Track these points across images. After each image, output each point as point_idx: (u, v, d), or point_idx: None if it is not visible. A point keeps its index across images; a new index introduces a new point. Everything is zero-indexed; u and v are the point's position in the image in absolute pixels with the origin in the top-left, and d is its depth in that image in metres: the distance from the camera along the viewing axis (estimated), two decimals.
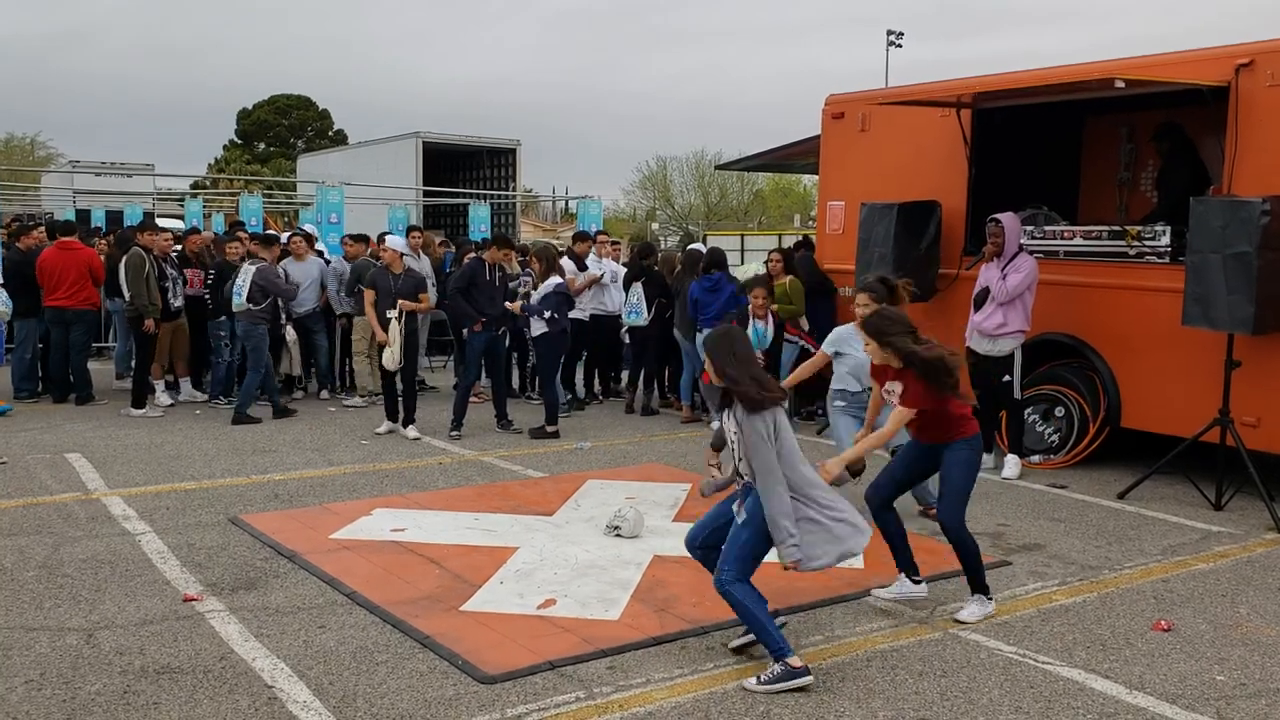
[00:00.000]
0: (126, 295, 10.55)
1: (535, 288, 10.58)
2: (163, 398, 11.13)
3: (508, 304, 10.15)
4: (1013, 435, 8.64)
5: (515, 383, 12.53)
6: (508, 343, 11.72)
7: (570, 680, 4.49)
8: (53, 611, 5.19)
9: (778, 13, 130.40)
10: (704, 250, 11.97)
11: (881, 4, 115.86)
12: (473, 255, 10.78)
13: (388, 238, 10.32)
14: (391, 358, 9.52)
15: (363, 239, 12.31)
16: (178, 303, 10.99)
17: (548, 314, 10.01)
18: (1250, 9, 78.56)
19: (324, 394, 11.98)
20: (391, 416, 9.73)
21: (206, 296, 11.25)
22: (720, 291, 10.10)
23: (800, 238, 13.11)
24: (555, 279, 10.22)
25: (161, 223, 13.83)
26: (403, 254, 10.09)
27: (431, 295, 12.21)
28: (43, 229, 12.36)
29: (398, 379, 9.72)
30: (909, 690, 4.45)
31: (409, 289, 9.69)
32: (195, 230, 14.31)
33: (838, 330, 7.14)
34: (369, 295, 9.70)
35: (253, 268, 10.59)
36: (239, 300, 10.48)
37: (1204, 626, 5.25)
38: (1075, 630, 5.16)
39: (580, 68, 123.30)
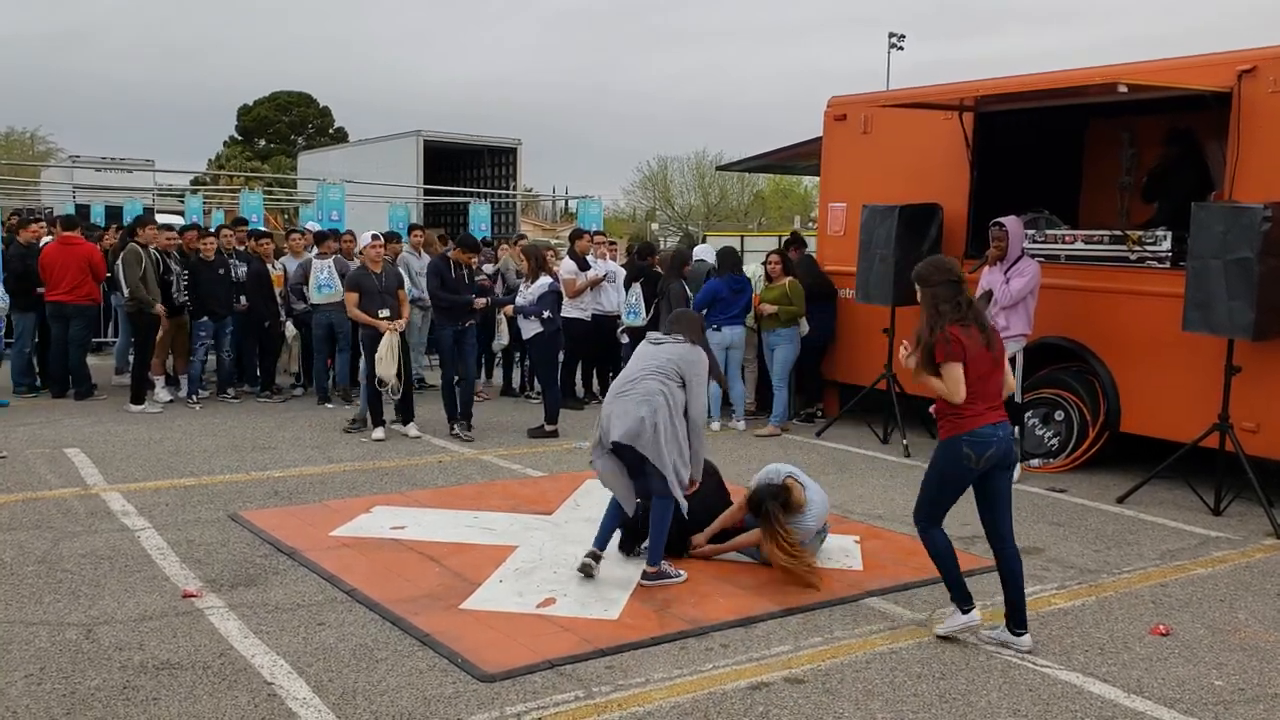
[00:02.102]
0: (125, 291, 10.56)
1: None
2: (162, 394, 11.13)
3: (478, 301, 10.11)
4: None
5: (516, 382, 12.55)
6: (507, 340, 11.72)
7: (569, 679, 4.49)
8: (52, 606, 5.19)
9: (778, 13, 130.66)
10: (687, 250, 12.04)
11: (881, 4, 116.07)
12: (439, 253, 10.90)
13: (362, 236, 10.40)
14: (389, 371, 9.35)
15: (393, 237, 12.45)
16: (182, 298, 10.98)
17: (545, 314, 10.02)
18: (1250, 9, 78.72)
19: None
20: (379, 421, 9.67)
21: (186, 298, 11.01)
22: (745, 293, 10.26)
23: (790, 235, 12.92)
24: (546, 279, 10.22)
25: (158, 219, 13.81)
26: (374, 244, 9.97)
27: None
28: (42, 222, 12.35)
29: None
30: (908, 692, 4.46)
31: (393, 286, 9.69)
32: (195, 226, 14.31)
33: None
34: (351, 298, 9.60)
35: (325, 262, 10.80)
36: (331, 292, 10.72)
37: (1202, 631, 5.25)
38: (1073, 634, 5.17)
39: (580, 68, 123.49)
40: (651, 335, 6.05)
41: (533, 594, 5.51)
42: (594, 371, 12.38)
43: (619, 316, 11.65)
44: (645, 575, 5.69)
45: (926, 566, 6.14)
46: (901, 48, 49.73)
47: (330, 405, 11.12)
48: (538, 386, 11.40)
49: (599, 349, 12.07)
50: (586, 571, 5.73)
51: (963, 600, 5.07)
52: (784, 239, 13.07)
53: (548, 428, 9.96)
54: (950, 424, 4.92)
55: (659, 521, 5.69)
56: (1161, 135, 9.39)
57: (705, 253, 12.18)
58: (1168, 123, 9.27)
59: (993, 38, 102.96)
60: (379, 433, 9.53)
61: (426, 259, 12.29)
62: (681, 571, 5.77)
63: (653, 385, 5.61)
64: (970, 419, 4.86)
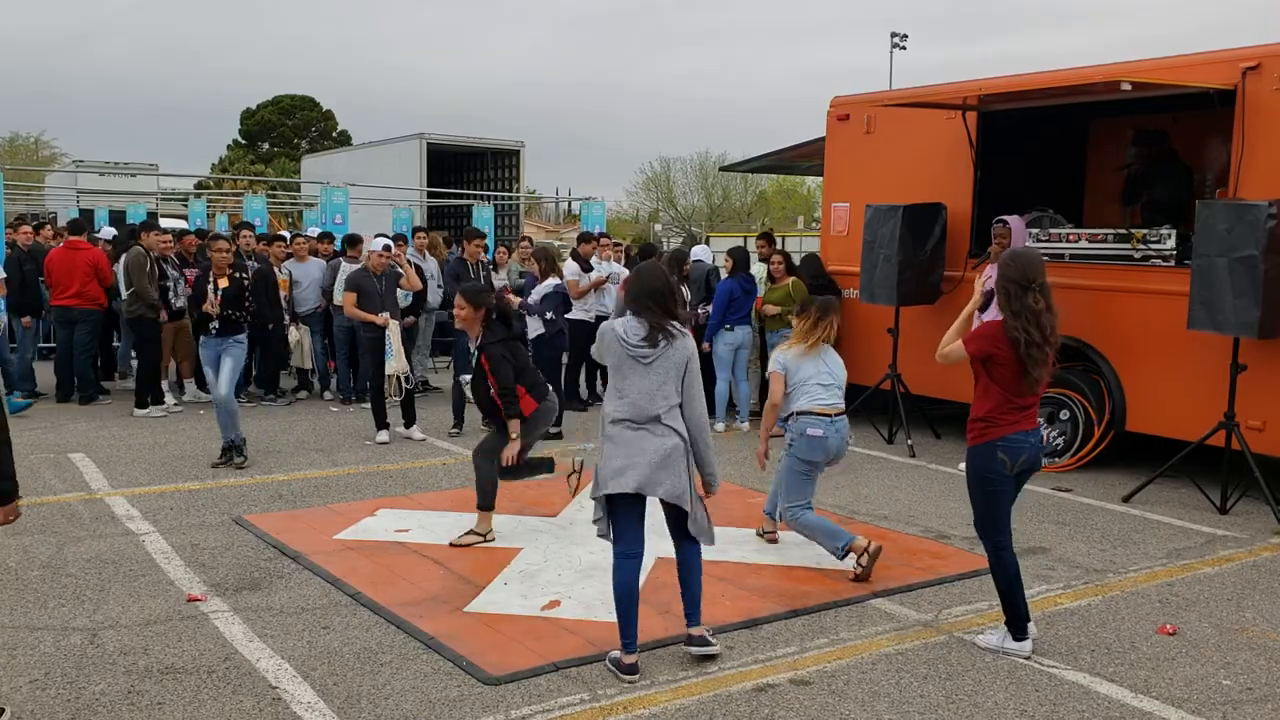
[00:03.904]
0: (124, 296, 10.56)
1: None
2: (167, 397, 11.12)
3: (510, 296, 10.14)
4: None
5: None
6: None
7: (574, 682, 4.48)
8: (57, 611, 5.19)
9: (779, 13, 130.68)
10: (685, 251, 11.98)
11: (882, 5, 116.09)
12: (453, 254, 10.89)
13: (375, 240, 10.42)
14: (396, 364, 9.43)
15: (397, 239, 12.48)
16: (179, 303, 10.98)
17: (548, 315, 10.02)
18: (1250, 9, 78.55)
19: (327, 394, 12.01)
20: (384, 425, 9.66)
21: (182, 303, 10.97)
22: (754, 293, 10.28)
23: (760, 234, 12.52)
24: (554, 280, 10.23)
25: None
26: (382, 254, 10.00)
27: (435, 296, 12.21)
28: (31, 225, 12.40)
29: (396, 384, 9.71)
30: (914, 694, 4.44)
31: (393, 289, 9.70)
32: (202, 231, 14.34)
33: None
34: (349, 298, 9.59)
35: (353, 267, 10.80)
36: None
37: (1209, 630, 5.23)
38: (1080, 634, 5.15)
39: (582, 69, 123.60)
40: (630, 347, 4.63)
41: (537, 596, 5.50)
42: (597, 373, 12.37)
43: None
44: (692, 640, 4.76)
45: (932, 567, 6.14)
46: (904, 47, 49.68)
47: (350, 409, 11.14)
48: None
49: None
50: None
51: (1016, 629, 4.89)
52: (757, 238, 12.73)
53: (551, 429, 9.94)
54: (980, 429, 4.89)
55: (696, 574, 4.84)
56: (1132, 137, 9.49)
57: (703, 253, 12.15)
58: (1171, 121, 9.25)
59: (994, 38, 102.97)
60: (383, 435, 9.53)
61: (432, 261, 12.31)
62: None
63: (669, 426, 4.63)
64: (1004, 426, 4.85)
